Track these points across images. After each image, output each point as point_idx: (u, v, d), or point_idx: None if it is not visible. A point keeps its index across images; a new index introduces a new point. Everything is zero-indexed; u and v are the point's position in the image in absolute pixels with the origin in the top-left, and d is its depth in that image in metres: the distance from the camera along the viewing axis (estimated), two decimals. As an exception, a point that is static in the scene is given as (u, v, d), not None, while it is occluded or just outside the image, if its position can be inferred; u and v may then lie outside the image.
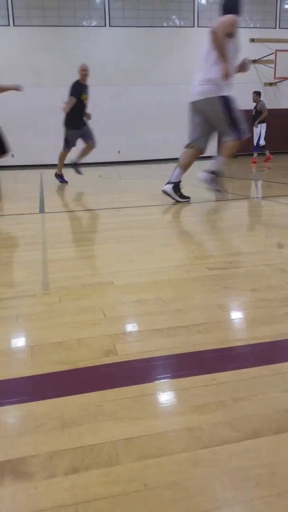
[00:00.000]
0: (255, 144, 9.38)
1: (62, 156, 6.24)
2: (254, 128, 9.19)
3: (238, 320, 1.20)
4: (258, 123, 9.20)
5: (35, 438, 0.72)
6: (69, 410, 0.80)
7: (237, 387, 0.85)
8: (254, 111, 9.33)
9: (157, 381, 0.89)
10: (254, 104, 9.40)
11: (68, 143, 6.18)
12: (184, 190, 3.61)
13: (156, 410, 0.80)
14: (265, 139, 9.34)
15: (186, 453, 0.68)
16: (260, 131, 9.25)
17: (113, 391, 0.85)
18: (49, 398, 0.84)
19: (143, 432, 0.73)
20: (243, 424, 0.74)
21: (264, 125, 9.27)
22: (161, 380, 0.90)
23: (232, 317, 1.21)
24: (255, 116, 9.31)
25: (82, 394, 0.85)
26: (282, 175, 6.07)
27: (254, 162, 9.49)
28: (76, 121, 6.07)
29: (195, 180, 3.89)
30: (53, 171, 6.67)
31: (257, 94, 9.44)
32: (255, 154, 9.78)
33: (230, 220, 2.99)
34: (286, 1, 14.63)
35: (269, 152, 9.57)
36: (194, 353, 1.00)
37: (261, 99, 9.56)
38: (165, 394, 0.85)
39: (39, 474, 0.64)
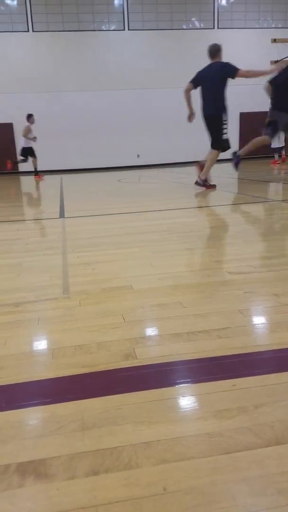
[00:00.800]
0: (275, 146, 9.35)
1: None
2: None
3: (259, 325, 1.19)
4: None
5: (56, 440, 0.73)
6: (89, 413, 0.80)
7: (259, 393, 0.84)
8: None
9: (177, 386, 0.89)
10: None
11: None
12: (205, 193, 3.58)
13: (176, 415, 0.80)
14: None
15: (206, 458, 0.68)
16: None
17: (133, 395, 0.86)
18: (69, 400, 0.85)
19: (163, 436, 0.73)
20: (264, 430, 0.73)
21: None
22: (181, 385, 0.89)
23: (253, 322, 1.20)
24: None
25: (102, 397, 0.85)
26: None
27: (277, 163, 9.40)
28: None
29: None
30: (73, 176, 6.72)
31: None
32: (276, 156, 9.71)
33: (250, 223, 2.96)
34: (307, 2, 14.42)
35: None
36: (215, 358, 0.99)
37: None
38: (185, 399, 0.85)
39: (60, 476, 0.65)
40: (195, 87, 4.89)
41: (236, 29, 13.87)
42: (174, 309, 1.31)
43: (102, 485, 0.63)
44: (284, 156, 9.96)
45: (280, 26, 14.23)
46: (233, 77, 4.65)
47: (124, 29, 13.37)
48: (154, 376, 0.93)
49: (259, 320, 1.21)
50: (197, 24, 13.76)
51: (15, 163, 10.55)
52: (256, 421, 0.76)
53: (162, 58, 13.62)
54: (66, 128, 12.95)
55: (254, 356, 0.99)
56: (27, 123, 9.62)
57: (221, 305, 1.33)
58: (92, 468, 0.66)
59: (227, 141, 4.87)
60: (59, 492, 0.62)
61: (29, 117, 9.61)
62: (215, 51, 4.80)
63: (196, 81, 4.89)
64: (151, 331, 1.18)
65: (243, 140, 13.95)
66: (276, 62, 13.93)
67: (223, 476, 0.64)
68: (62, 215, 3.58)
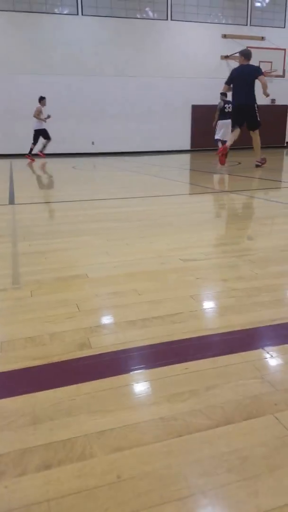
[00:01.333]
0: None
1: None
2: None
3: (210, 310, 1.22)
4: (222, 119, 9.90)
5: (5, 436, 0.71)
6: (41, 406, 0.78)
7: (210, 375, 0.86)
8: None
9: (131, 373, 0.89)
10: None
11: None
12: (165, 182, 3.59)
13: (130, 402, 0.80)
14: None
15: (159, 443, 0.68)
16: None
17: (87, 384, 0.85)
18: (20, 394, 0.82)
19: (117, 424, 0.73)
20: (215, 411, 0.75)
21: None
22: (135, 371, 0.90)
23: (204, 307, 1.23)
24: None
25: (55, 389, 0.84)
26: (249, 170, 6.16)
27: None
28: None
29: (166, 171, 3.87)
30: (22, 161, 6.46)
31: (224, 95, 9.94)
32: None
33: (203, 212, 3.01)
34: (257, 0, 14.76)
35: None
36: (168, 343, 1.01)
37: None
38: (139, 385, 0.85)
39: (9, 473, 0.63)
40: (229, 86, 6.48)
41: (188, 22, 13.90)
42: (129, 296, 1.31)
43: (54, 479, 0.62)
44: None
45: (230, 22, 14.45)
46: (257, 78, 6.24)
47: (77, 14, 12.95)
48: (109, 365, 0.93)
49: (209, 305, 1.24)
50: (150, 14, 13.62)
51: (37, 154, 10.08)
52: (207, 403, 0.78)
53: (115, 45, 13.37)
54: (16, 112, 12.40)
55: (206, 340, 1.02)
56: (38, 105, 9.63)
57: (174, 291, 1.34)
58: (44, 462, 0.65)
59: (260, 122, 6.33)
60: (8, 489, 0.60)
61: (41, 99, 9.64)
62: (250, 56, 6.43)
63: (230, 81, 6.41)
64: (106, 320, 1.17)
65: (195, 130, 14.18)
66: (226, 57, 14.26)
67: (176, 459, 0.65)
68: (11, 201, 3.45)
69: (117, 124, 13.84)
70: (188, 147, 14.45)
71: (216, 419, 0.73)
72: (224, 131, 9.58)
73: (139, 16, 13.51)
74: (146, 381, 0.86)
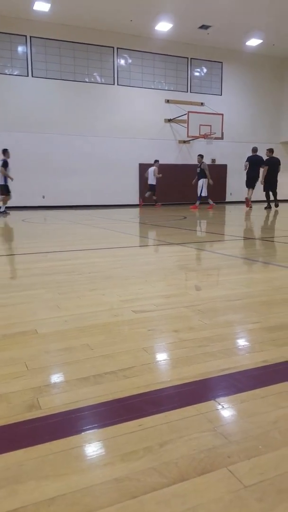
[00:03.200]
0: (198, 195, 11.73)
1: None
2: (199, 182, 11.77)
3: (162, 362, 1.23)
4: (199, 179, 11.68)
5: None
6: (-13, 475, 0.73)
7: (163, 430, 0.86)
8: (198, 169, 11.76)
9: (83, 433, 0.86)
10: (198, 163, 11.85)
11: None
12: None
13: (83, 464, 0.77)
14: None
15: (113, 506, 0.66)
16: (202, 185, 11.59)
17: (36, 448, 0.81)
18: None
19: (69, 489, 0.70)
20: (169, 468, 0.75)
21: (205, 180, 11.57)
22: (88, 431, 0.87)
23: (157, 360, 1.24)
24: (199, 173, 11.69)
25: (1, 455, 0.79)
26: (194, 223, 6.50)
27: (196, 208, 11.53)
28: None
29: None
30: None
31: (201, 156, 11.90)
32: (197, 203, 11.84)
33: (152, 264, 3.10)
34: (196, 69, 16.46)
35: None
36: (121, 399, 0.99)
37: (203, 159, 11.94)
38: (92, 446, 0.82)
39: None
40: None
41: (134, 87, 15.12)
42: (81, 352, 1.29)
43: None
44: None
45: (172, 89, 15.91)
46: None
47: (27, 75, 13.58)
48: (59, 426, 0.90)
49: (161, 357, 1.26)
50: (98, 79, 14.63)
51: None
52: (162, 459, 0.77)
53: (64, 106, 14.07)
54: None
55: (159, 393, 1.02)
56: (3, 157, 9.84)
57: (127, 344, 1.35)
58: (-11, 539, 0.60)
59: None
60: None
61: (4, 152, 9.90)
62: (256, 149, 11.12)
63: (249, 161, 11.10)
64: (56, 378, 1.14)
65: (142, 186, 14.88)
66: (169, 120, 15.53)
67: (131, 522, 0.63)
68: None
69: (69, 178, 14.20)
70: (136, 201, 15.03)
71: (171, 477, 0.72)
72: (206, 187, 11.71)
73: (87, 80, 14.43)
74: (99, 441, 0.84)
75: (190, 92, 16.24)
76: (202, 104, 16.40)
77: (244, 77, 17.41)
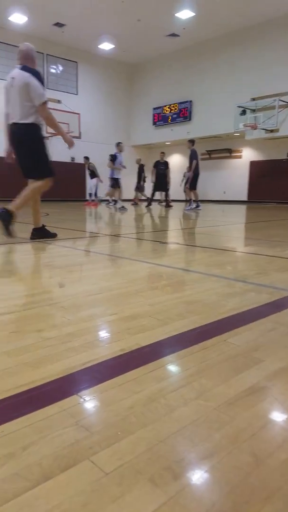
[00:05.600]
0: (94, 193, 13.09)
1: None
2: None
3: (25, 364, 1.19)
4: (91, 178, 13.29)
5: None
6: None
7: (26, 433, 0.84)
8: (89, 171, 13.31)
9: None
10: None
11: None
12: None
13: None
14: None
15: (-29, 524, 0.62)
16: (96, 183, 13.13)
17: None
18: None
19: None
20: (33, 471, 0.73)
21: (97, 179, 13.13)
22: None
23: (19, 362, 1.19)
24: (90, 174, 13.24)
25: None
26: (60, 221, 6.42)
27: (95, 205, 12.64)
28: None
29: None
30: None
31: (87, 158, 13.21)
32: (96, 199, 13.05)
33: (12, 263, 2.95)
34: (52, 66, 16.11)
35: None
36: (-22, 409, 0.93)
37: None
38: None
39: None
40: None
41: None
42: None
43: None
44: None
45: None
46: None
47: None
48: None
49: (24, 359, 1.21)
50: None
51: None
52: (25, 463, 0.75)
53: None
54: None
55: (21, 396, 0.98)
56: None
57: (-16, 350, 1.26)
58: None
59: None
60: None
61: None
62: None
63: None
64: None
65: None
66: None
67: (-9, 536, 0.60)
68: None
69: None
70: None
71: (34, 479, 0.71)
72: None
73: None
74: None
75: (47, 88, 15.87)
76: (59, 101, 16.17)
77: (98, 80, 17.85)
